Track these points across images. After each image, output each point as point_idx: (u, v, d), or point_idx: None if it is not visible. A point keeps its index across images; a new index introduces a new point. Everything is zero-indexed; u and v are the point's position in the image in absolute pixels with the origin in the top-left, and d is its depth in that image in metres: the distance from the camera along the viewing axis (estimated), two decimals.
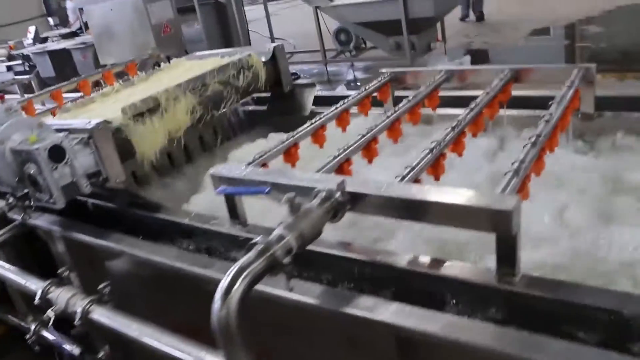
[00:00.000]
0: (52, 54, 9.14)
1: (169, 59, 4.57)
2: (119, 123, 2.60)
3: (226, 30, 9.88)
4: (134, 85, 3.30)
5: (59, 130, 2.66)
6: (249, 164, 2.01)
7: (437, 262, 1.51)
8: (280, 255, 1.30)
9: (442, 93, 2.63)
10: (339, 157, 1.96)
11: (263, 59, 3.26)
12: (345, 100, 2.52)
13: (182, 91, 2.88)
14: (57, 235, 2.54)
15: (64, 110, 2.96)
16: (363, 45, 8.85)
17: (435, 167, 1.83)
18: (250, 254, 1.29)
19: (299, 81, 3.65)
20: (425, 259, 1.54)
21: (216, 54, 3.56)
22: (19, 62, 10.29)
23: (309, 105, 3.31)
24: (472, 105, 2.16)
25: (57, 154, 2.34)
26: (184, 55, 3.97)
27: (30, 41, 10.70)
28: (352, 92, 2.83)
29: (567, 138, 2.38)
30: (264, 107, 3.53)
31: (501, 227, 1.36)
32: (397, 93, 2.89)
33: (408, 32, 7.51)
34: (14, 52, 10.37)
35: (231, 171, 1.88)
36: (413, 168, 1.74)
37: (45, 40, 10.73)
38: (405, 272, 1.53)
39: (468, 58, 7.69)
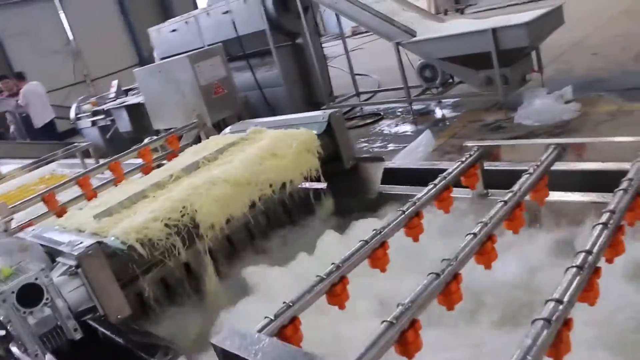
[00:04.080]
0: (129, 109, 9.05)
1: (221, 124, 4.10)
2: (120, 243, 2.03)
3: (304, 71, 9.48)
4: (197, 170, 2.65)
5: (49, 254, 2.17)
6: (265, 327, 1.37)
7: None
8: None
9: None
10: None
11: (316, 132, 2.62)
12: (417, 199, 1.82)
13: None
14: None
15: (106, 214, 2.38)
16: (450, 80, 8.08)
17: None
18: None
19: (364, 154, 2.96)
20: None
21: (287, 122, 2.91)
22: (102, 117, 10.38)
23: (377, 185, 2.64)
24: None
25: (31, 294, 1.80)
26: (241, 121, 3.43)
27: (113, 95, 10.76)
28: (432, 165, 2.15)
29: None
30: (323, 185, 2.90)
31: None
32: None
33: (500, 65, 6.70)
34: (96, 108, 10.47)
35: (236, 343, 1.26)
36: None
37: (127, 92, 10.73)
38: None
39: (570, 89, 6.74)
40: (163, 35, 10.94)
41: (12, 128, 14.24)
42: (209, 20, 9.65)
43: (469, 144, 2.12)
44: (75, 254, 1.88)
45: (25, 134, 13.90)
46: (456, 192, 2.21)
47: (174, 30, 10.59)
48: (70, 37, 19.37)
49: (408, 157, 5.40)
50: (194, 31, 10.00)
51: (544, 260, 1.83)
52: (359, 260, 1.61)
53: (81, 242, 1.96)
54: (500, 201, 1.61)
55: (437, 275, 1.31)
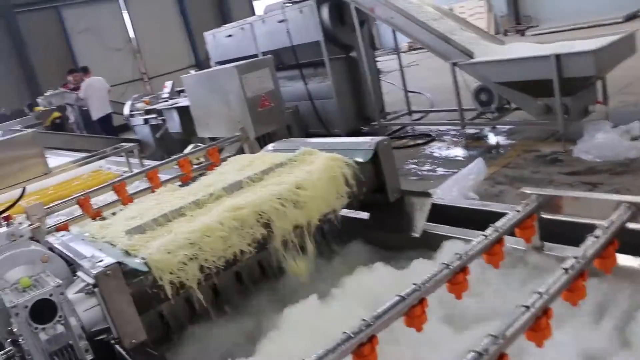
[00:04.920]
0: (180, 110, 9.06)
1: (267, 138, 4.00)
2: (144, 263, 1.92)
3: (357, 85, 9.34)
4: (240, 191, 2.48)
5: (69, 264, 2.09)
6: None
7: None
8: None
9: None
10: None
11: (361, 159, 2.46)
12: (464, 252, 1.63)
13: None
14: None
15: (138, 230, 2.23)
16: (507, 106, 7.79)
17: None
18: None
19: (408, 185, 2.77)
20: None
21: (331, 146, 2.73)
22: (154, 116, 10.48)
23: (422, 222, 2.45)
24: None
25: (45, 310, 1.72)
26: (284, 139, 3.31)
27: (167, 95, 10.83)
28: (484, 206, 1.96)
29: None
30: (365, 215, 2.73)
31: None
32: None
33: (561, 94, 6.38)
34: (149, 107, 10.57)
35: None
36: None
37: (180, 93, 10.79)
38: None
39: (638, 124, 6.36)
40: (218, 39, 11.01)
41: (71, 119, 14.70)
42: (264, 27, 9.64)
43: (527, 191, 1.91)
44: (94, 272, 1.77)
45: (83, 126, 14.34)
46: (507, 241, 2.01)
47: (229, 36, 10.63)
48: (132, 35, 19.82)
49: (457, 185, 5.18)
50: (249, 38, 10.01)
51: (607, 347, 1.60)
52: (393, 318, 1.44)
53: (101, 260, 1.85)
54: (561, 268, 1.41)
55: (480, 354, 1.13)
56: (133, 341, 1.84)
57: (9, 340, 1.91)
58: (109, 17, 19.27)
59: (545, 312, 1.29)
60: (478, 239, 1.70)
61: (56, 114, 13.75)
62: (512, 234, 1.85)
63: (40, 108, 13.57)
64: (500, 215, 2.00)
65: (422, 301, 1.49)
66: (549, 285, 1.34)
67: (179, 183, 3.41)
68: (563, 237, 2.00)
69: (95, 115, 13.04)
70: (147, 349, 1.93)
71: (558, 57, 6.24)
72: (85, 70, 13.59)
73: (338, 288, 2.27)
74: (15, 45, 17.43)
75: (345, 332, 1.36)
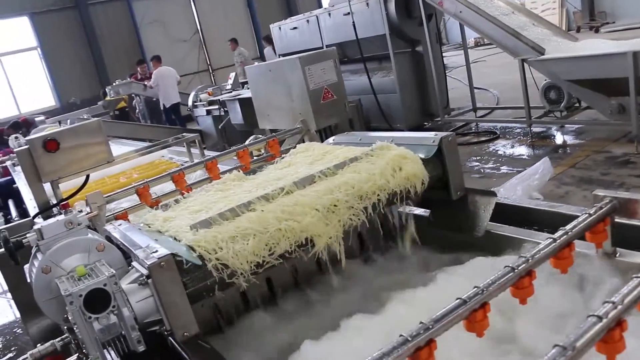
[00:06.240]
0: (242, 102, 9.15)
1: (328, 131, 3.96)
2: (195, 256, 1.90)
3: (421, 80, 9.20)
4: (311, 186, 2.35)
5: (125, 255, 2.10)
6: None
7: None
8: None
9: None
10: None
11: (422, 155, 2.38)
12: (530, 256, 1.54)
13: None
14: None
15: (204, 225, 2.10)
16: (576, 104, 7.49)
17: None
18: None
19: (472, 183, 2.65)
20: None
21: (394, 140, 2.62)
22: (217, 107, 10.64)
23: (485, 222, 2.36)
24: None
25: (98, 299, 1.73)
26: (345, 132, 3.25)
27: (230, 86, 10.98)
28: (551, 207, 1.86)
29: None
30: (426, 212, 2.65)
31: None
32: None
33: (636, 93, 6.08)
34: (212, 98, 10.73)
35: None
36: None
37: (244, 85, 10.90)
38: None
39: None
40: (284, 32, 11.06)
41: (137, 109, 15.13)
42: (329, 20, 9.62)
43: (600, 193, 1.80)
44: (148, 263, 1.77)
45: (148, 116, 14.74)
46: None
47: (294, 28, 10.66)
48: (198, 27, 20.18)
49: (521, 184, 5.00)
50: (314, 30, 10.02)
51: None
52: (453, 322, 1.37)
53: (156, 251, 1.85)
54: (635, 277, 1.30)
55: None
56: (185, 334, 1.83)
57: (66, 327, 1.94)
58: (177, 9, 19.68)
59: (619, 323, 1.19)
60: (546, 241, 1.60)
61: (123, 103, 14.16)
62: (581, 238, 1.74)
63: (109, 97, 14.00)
64: (569, 217, 1.90)
65: (484, 305, 1.41)
66: (624, 295, 1.24)
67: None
68: (638, 243, 1.88)
69: (166, 102, 13.33)
70: (199, 341, 1.92)
71: (635, 54, 5.94)
72: (158, 59, 13.93)
73: (393, 290, 2.21)
74: (87, 36, 18.05)
75: (402, 335, 1.30)
